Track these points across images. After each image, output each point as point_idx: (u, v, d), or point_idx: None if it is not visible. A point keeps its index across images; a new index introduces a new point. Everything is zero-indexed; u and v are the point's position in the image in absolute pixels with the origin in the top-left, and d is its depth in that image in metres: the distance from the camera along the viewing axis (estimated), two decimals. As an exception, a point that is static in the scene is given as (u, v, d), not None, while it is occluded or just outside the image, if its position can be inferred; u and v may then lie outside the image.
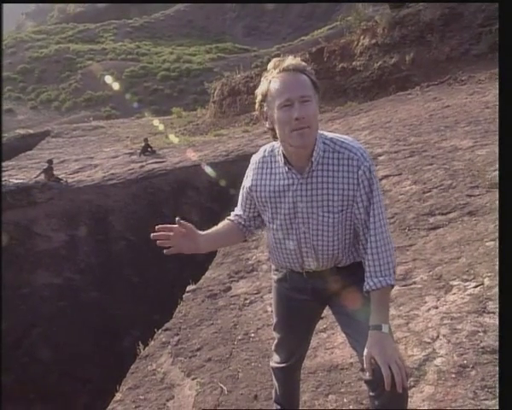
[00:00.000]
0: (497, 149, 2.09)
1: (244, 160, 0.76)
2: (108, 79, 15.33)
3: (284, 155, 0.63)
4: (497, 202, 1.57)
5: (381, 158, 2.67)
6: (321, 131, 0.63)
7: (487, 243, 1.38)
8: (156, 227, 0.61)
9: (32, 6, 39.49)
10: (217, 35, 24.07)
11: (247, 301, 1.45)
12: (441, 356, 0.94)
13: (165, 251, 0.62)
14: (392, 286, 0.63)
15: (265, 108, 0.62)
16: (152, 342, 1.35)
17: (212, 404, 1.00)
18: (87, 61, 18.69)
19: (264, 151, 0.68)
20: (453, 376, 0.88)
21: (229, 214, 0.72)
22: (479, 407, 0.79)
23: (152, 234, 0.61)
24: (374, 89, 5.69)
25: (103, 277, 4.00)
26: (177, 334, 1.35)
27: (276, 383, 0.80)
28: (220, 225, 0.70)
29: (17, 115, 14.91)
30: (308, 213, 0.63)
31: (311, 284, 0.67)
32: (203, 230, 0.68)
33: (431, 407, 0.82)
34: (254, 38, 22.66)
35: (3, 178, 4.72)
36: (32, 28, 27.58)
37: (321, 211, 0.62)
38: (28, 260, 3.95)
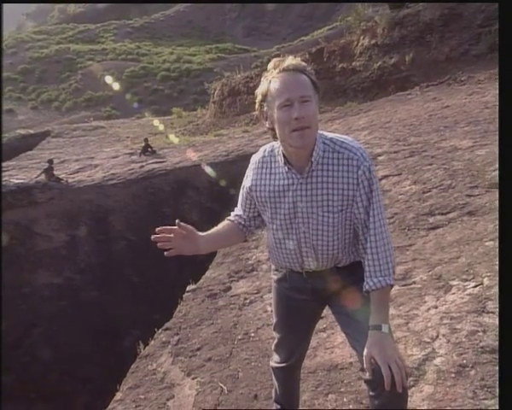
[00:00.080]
0: (496, 149, 2.10)
1: (244, 160, 0.77)
2: (109, 79, 15.35)
3: (284, 155, 0.63)
4: (497, 201, 1.57)
5: (380, 158, 2.67)
6: (321, 132, 0.63)
7: (487, 243, 1.38)
8: (156, 229, 0.60)
9: (33, 6, 39.57)
10: (217, 35, 24.06)
11: (247, 301, 1.45)
12: (441, 356, 0.94)
13: (165, 253, 0.62)
14: (392, 286, 0.63)
15: (265, 108, 0.62)
16: (152, 342, 1.35)
17: (212, 403, 1.01)
18: (87, 62, 18.72)
19: (264, 151, 0.68)
20: (453, 375, 0.88)
21: (229, 214, 0.73)
22: (478, 407, 0.79)
23: (152, 236, 0.61)
24: (373, 89, 5.70)
25: (104, 277, 4.00)
26: (178, 334, 1.35)
27: (275, 383, 0.80)
28: (220, 225, 0.70)
29: (18, 115, 14.92)
30: (308, 213, 0.63)
31: (310, 284, 0.68)
32: (203, 230, 0.68)
33: (430, 407, 0.82)
34: (254, 39, 22.67)
35: (4, 178, 4.75)
36: (32, 29, 27.58)
37: (321, 211, 0.62)
38: (29, 260, 3.96)
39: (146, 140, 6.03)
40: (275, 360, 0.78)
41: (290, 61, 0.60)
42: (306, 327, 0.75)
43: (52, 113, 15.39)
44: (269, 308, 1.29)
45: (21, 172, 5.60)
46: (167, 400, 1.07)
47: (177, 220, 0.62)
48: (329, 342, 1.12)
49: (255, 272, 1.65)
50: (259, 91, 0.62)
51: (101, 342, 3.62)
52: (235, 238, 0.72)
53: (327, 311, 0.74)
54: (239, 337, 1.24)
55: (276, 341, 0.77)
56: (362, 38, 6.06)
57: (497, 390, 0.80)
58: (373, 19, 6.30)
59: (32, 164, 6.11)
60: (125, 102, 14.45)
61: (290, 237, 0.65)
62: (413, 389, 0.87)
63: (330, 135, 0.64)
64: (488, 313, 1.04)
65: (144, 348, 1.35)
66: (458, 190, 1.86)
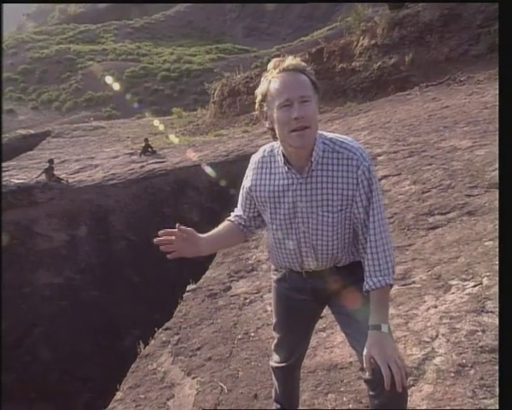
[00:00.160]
0: (495, 150, 2.10)
1: (244, 160, 0.77)
2: (109, 79, 15.36)
3: (284, 155, 0.63)
4: (497, 201, 1.58)
5: (380, 158, 2.68)
6: (320, 132, 0.63)
7: (486, 243, 1.38)
8: (159, 232, 0.61)
9: (33, 7, 39.61)
10: (217, 36, 24.08)
11: (247, 301, 1.45)
12: (440, 355, 0.95)
13: (168, 256, 0.62)
14: (392, 286, 0.63)
15: (265, 108, 0.62)
16: (152, 342, 1.35)
17: (212, 403, 1.01)
18: (88, 62, 18.74)
19: (264, 151, 0.68)
20: (452, 375, 0.88)
21: (229, 215, 0.73)
22: (477, 406, 0.79)
23: (155, 239, 0.61)
24: (373, 89, 5.70)
25: (104, 276, 4.00)
26: (178, 333, 1.35)
27: (275, 383, 0.80)
28: (221, 226, 0.70)
29: (18, 116, 14.94)
30: (308, 213, 0.63)
31: (310, 284, 0.68)
32: (203, 230, 0.69)
33: (430, 406, 0.83)
34: (254, 39, 22.69)
35: (5, 178, 4.76)
36: (32, 29, 27.61)
37: (320, 211, 0.62)
38: (29, 260, 3.96)
39: (146, 140, 6.04)
40: (274, 360, 0.78)
41: (290, 61, 0.60)
42: (306, 327, 0.75)
43: (52, 113, 15.40)
44: (269, 308, 1.29)
45: (22, 172, 5.61)
46: (167, 399, 1.07)
47: (177, 224, 0.62)
48: (329, 342, 1.12)
49: (255, 272, 1.65)
50: (259, 91, 0.63)
51: (101, 341, 3.63)
52: (236, 239, 0.73)
53: (326, 310, 0.74)
54: (239, 337, 1.25)
55: (275, 341, 0.77)
56: (361, 38, 6.07)
57: (497, 390, 0.80)
58: (373, 19, 6.31)
59: (32, 164, 6.12)
60: (126, 103, 14.47)
61: (290, 237, 0.65)
62: (413, 388, 0.87)
63: (330, 135, 0.64)
64: (487, 312, 1.04)
65: (144, 347, 1.35)
66: (458, 190, 1.86)
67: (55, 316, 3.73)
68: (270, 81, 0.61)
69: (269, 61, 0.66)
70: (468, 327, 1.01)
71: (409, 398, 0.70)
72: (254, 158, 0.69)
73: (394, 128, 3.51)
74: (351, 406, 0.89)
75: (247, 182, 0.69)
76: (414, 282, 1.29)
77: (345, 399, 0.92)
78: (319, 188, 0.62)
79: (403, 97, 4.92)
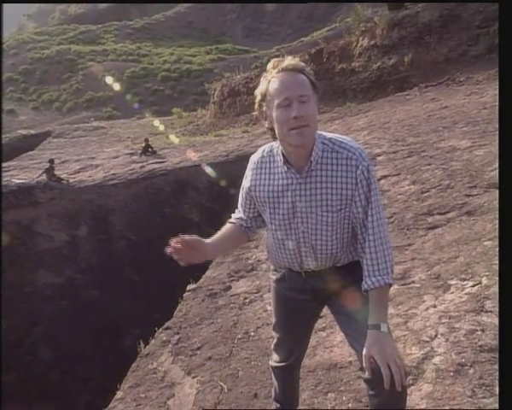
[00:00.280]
0: (494, 150, 2.10)
1: (244, 160, 0.76)
2: (109, 79, 15.38)
3: (283, 155, 0.64)
4: (495, 201, 1.58)
5: (379, 158, 2.68)
6: (320, 132, 0.63)
7: (485, 243, 1.38)
8: (170, 243, 0.61)
9: (34, 8, 39.69)
10: (217, 36, 24.08)
11: (247, 301, 1.45)
12: (439, 355, 0.95)
13: (181, 264, 0.63)
14: (391, 285, 0.63)
15: (264, 108, 0.62)
16: (153, 341, 1.36)
17: (212, 402, 1.01)
18: (88, 62, 18.77)
19: (263, 151, 0.68)
20: (451, 374, 0.88)
21: (230, 216, 0.73)
22: (477, 405, 0.79)
23: (167, 250, 0.61)
24: (373, 89, 5.71)
25: (104, 276, 4.01)
26: (178, 333, 1.35)
27: (275, 382, 0.80)
28: (223, 229, 0.71)
29: (19, 116, 14.96)
30: (307, 213, 0.63)
31: (309, 284, 0.68)
32: (204, 229, 0.69)
33: (429, 405, 0.83)
34: (254, 39, 22.70)
35: (5, 179, 4.77)
36: (33, 29, 27.67)
37: (320, 210, 0.62)
38: (30, 260, 3.98)
39: (146, 140, 6.05)
40: (274, 360, 0.78)
41: (289, 61, 0.61)
42: (306, 327, 0.75)
43: (53, 113, 15.42)
44: (269, 307, 1.30)
45: (22, 173, 5.61)
46: (168, 399, 1.07)
47: (180, 235, 0.62)
48: (329, 342, 1.12)
49: (255, 272, 1.65)
50: (259, 91, 0.63)
51: (101, 341, 3.63)
52: (239, 240, 0.73)
53: (326, 310, 0.74)
54: (239, 337, 1.25)
55: (275, 340, 0.78)
56: (361, 38, 6.08)
57: (496, 389, 0.80)
58: (372, 20, 6.31)
59: (33, 164, 6.13)
60: (126, 103, 14.48)
61: (289, 237, 0.65)
62: (412, 387, 0.87)
63: (329, 135, 0.64)
64: (487, 312, 1.04)
65: (145, 347, 1.35)
66: (457, 190, 1.86)
67: (55, 316, 3.74)
68: (270, 81, 0.61)
69: (268, 61, 0.66)
70: (468, 327, 1.01)
71: (408, 397, 0.70)
72: (253, 158, 0.69)
73: (394, 128, 3.51)
74: (350, 405, 0.90)
75: (246, 182, 0.69)
76: (413, 281, 1.29)
77: (344, 398, 0.92)
78: (318, 188, 0.62)
79: (402, 98, 4.93)
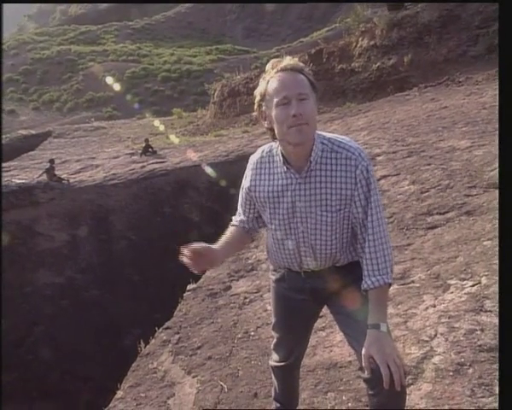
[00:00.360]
0: (494, 150, 2.11)
1: (244, 160, 0.76)
2: (109, 80, 15.38)
3: (283, 155, 0.64)
4: (495, 201, 1.58)
5: (379, 158, 2.68)
6: (319, 132, 0.63)
7: (484, 243, 1.39)
8: (183, 251, 0.62)
9: (34, 8, 39.75)
10: (217, 36, 24.10)
11: (247, 300, 1.46)
12: (439, 354, 0.95)
13: (194, 271, 0.64)
14: (390, 285, 0.63)
15: (264, 108, 0.62)
16: (153, 341, 1.36)
17: (212, 402, 1.01)
18: (88, 63, 18.77)
19: (262, 152, 0.68)
20: (451, 374, 0.89)
21: (231, 218, 0.73)
22: (476, 405, 0.80)
23: (182, 259, 0.61)
24: (372, 90, 5.70)
25: (105, 276, 4.01)
26: (178, 332, 1.36)
27: (275, 382, 0.81)
28: (227, 233, 0.71)
29: (19, 116, 14.97)
30: (306, 213, 0.63)
31: (309, 284, 0.68)
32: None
33: (429, 405, 0.83)
34: (254, 40, 22.71)
35: (6, 179, 4.79)
36: (34, 30, 27.68)
37: (319, 210, 0.63)
38: (30, 260, 3.98)
39: (147, 140, 6.06)
40: (274, 359, 0.79)
41: (288, 61, 0.61)
42: (305, 327, 0.76)
43: (53, 113, 15.44)
44: (268, 307, 1.30)
45: (23, 173, 5.62)
46: (168, 398, 1.07)
47: (189, 246, 0.62)
48: (328, 341, 1.12)
49: (255, 272, 1.66)
50: (258, 92, 0.63)
51: (102, 340, 3.63)
52: (244, 242, 0.74)
53: (326, 309, 0.74)
54: (239, 336, 1.25)
55: (275, 340, 0.78)
56: (361, 39, 6.08)
57: (496, 388, 0.80)
58: (372, 20, 6.29)
59: (33, 164, 6.14)
60: (126, 103, 14.48)
61: (289, 237, 0.65)
62: (411, 387, 0.87)
63: (328, 135, 0.64)
64: (486, 311, 1.05)
65: (145, 346, 1.35)
66: (456, 189, 1.87)
67: (56, 315, 3.74)
68: (269, 81, 0.61)
69: (268, 61, 0.66)
70: (467, 326, 1.01)
71: (408, 397, 0.71)
72: (253, 158, 0.69)
73: (393, 128, 3.51)
74: (350, 404, 0.90)
75: (246, 182, 0.69)
76: (413, 281, 1.29)
77: (344, 398, 0.92)
78: (318, 188, 0.62)
79: (402, 98, 4.93)
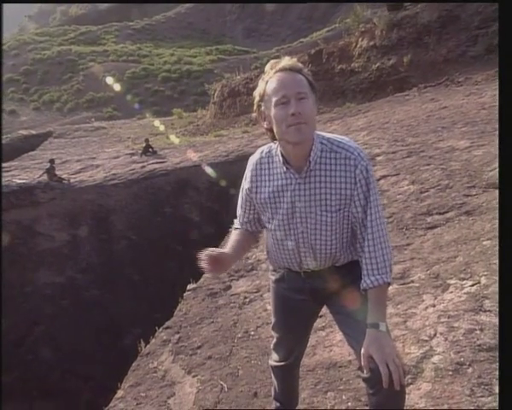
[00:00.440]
0: (493, 150, 2.11)
1: (244, 160, 0.76)
2: (110, 80, 15.34)
3: (282, 155, 0.64)
4: (494, 201, 1.59)
5: (378, 158, 2.69)
6: (318, 132, 0.63)
7: (484, 243, 1.39)
8: (201, 257, 0.62)
9: (35, 9, 39.82)
10: (217, 37, 24.10)
11: (247, 300, 1.46)
12: (438, 354, 0.95)
13: (210, 276, 0.65)
14: (389, 284, 0.63)
15: (263, 108, 0.63)
16: (153, 340, 1.36)
17: (212, 401, 1.01)
18: (89, 63, 18.79)
19: (261, 152, 0.68)
20: (450, 373, 0.89)
21: (233, 222, 0.73)
22: (475, 404, 0.80)
23: (200, 265, 0.62)
24: (372, 90, 5.71)
25: (105, 276, 4.02)
26: (178, 332, 1.36)
27: (275, 381, 0.81)
28: (233, 237, 0.71)
29: (20, 116, 14.98)
30: (306, 213, 0.63)
31: (308, 284, 0.68)
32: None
33: (428, 404, 0.83)
34: (254, 40, 22.71)
35: (7, 179, 4.80)
36: (34, 30, 27.66)
37: (319, 210, 0.63)
38: (31, 259, 3.99)
39: (147, 140, 6.07)
40: (274, 359, 0.79)
41: (286, 61, 0.61)
42: (305, 326, 0.76)
43: (54, 113, 15.43)
44: (268, 307, 1.30)
45: (24, 173, 5.64)
46: (168, 397, 1.08)
47: (206, 252, 0.63)
48: (328, 341, 1.12)
49: (255, 271, 1.66)
50: (257, 92, 0.63)
51: (102, 340, 3.64)
52: (250, 243, 0.74)
53: (325, 309, 0.75)
54: (239, 336, 1.25)
55: (274, 340, 0.78)
56: (360, 39, 6.09)
57: (495, 388, 0.80)
58: (371, 21, 6.29)
59: (34, 164, 6.16)
60: (126, 103, 14.47)
61: (288, 237, 0.66)
62: (411, 386, 0.87)
63: (327, 135, 0.64)
64: (485, 311, 1.05)
65: (145, 346, 1.35)
66: (456, 189, 1.87)
67: (56, 315, 3.75)
68: (267, 82, 0.62)
69: (268, 61, 0.66)
70: (466, 326, 1.01)
71: (407, 396, 0.71)
72: (252, 159, 0.69)
73: (393, 129, 3.52)
74: (350, 404, 0.90)
75: (245, 184, 0.69)
76: (412, 281, 1.30)
77: (344, 397, 0.92)
78: (317, 188, 0.62)
79: (401, 98, 4.94)
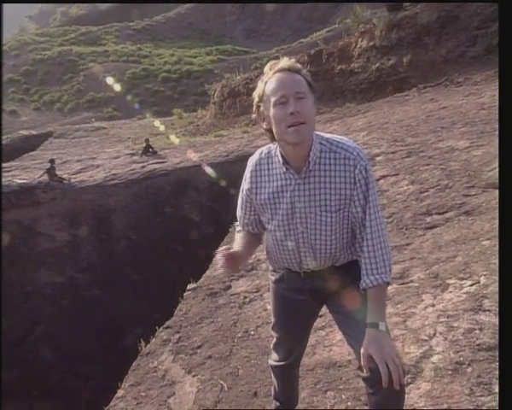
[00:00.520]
0: (492, 150, 2.11)
1: (244, 160, 0.76)
2: (110, 80, 15.34)
3: (282, 156, 0.64)
4: (494, 201, 1.59)
5: (378, 158, 2.69)
6: (317, 132, 0.63)
7: (483, 242, 1.39)
8: (217, 256, 0.63)
9: (35, 9, 39.90)
10: (217, 37, 24.12)
11: (247, 300, 1.46)
12: (438, 353, 0.96)
13: (225, 273, 0.65)
14: (389, 284, 0.63)
15: (262, 109, 0.63)
16: (153, 340, 1.36)
17: (212, 401, 1.02)
18: (89, 63, 18.81)
19: (261, 153, 0.68)
20: (449, 373, 0.89)
21: (231, 221, 0.73)
22: (475, 404, 0.80)
23: (219, 263, 0.63)
24: (371, 90, 5.72)
25: (105, 275, 4.02)
26: (178, 332, 1.36)
27: (274, 381, 0.81)
28: (239, 239, 0.70)
29: (20, 116, 14.99)
30: (306, 213, 0.64)
31: (308, 284, 0.68)
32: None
33: (428, 403, 0.83)
34: (254, 41, 22.71)
35: (7, 179, 4.81)
36: (35, 31, 27.67)
37: (319, 210, 0.63)
38: (31, 259, 4.00)
39: (147, 141, 6.09)
40: (274, 359, 0.79)
41: (285, 62, 0.61)
42: (305, 326, 0.76)
43: (54, 114, 15.44)
44: (268, 307, 1.30)
45: (24, 173, 5.65)
46: (168, 397, 1.08)
47: (221, 251, 0.63)
48: (328, 340, 1.13)
49: (255, 271, 1.66)
50: (256, 93, 0.63)
51: (102, 340, 3.64)
52: (256, 244, 0.74)
53: (325, 309, 0.75)
54: (239, 335, 1.26)
55: (274, 340, 0.78)
56: (360, 39, 6.10)
57: (494, 387, 0.81)
58: (371, 21, 6.31)
59: (34, 164, 6.18)
60: (127, 104, 14.47)
61: (288, 238, 0.66)
62: (410, 386, 0.88)
63: (327, 135, 0.65)
64: (485, 311, 1.05)
65: (145, 346, 1.36)
66: (455, 189, 1.87)
67: (56, 315, 3.75)
68: (266, 82, 0.62)
69: (268, 62, 0.66)
70: (466, 325, 1.02)
71: (407, 395, 0.70)
72: (251, 160, 0.69)
73: (392, 129, 3.52)
74: (349, 403, 0.90)
75: (245, 185, 0.69)
76: (412, 281, 1.30)
77: (343, 396, 0.92)
78: (317, 188, 0.63)
79: (401, 98, 4.95)
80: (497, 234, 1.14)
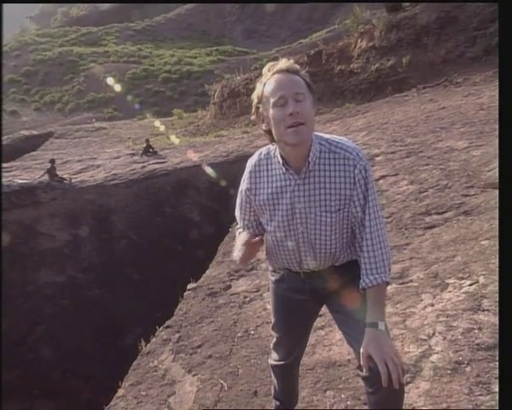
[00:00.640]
0: (491, 150, 2.12)
1: (244, 160, 0.76)
2: (110, 80, 15.36)
3: (281, 156, 0.64)
4: (493, 201, 1.59)
5: (378, 158, 2.70)
6: (316, 133, 0.64)
7: (482, 242, 1.39)
8: (240, 244, 0.64)
9: (36, 10, 39.98)
10: (217, 38, 24.14)
11: (247, 299, 1.47)
12: (437, 353, 0.96)
13: (242, 263, 0.65)
14: (388, 283, 0.63)
15: (261, 110, 0.63)
16: (153, 340, 1.37)
17: (212, 400, 1.02)
18: (90, 64, 18.86)
19: (260, 154, 0.68)
20: (449, 372, 0.89)
21: (232, 222, 0.73)
22: (474, 403, 0.80)
23: (237, 252, 0.63)
24: (371, 91, 5.72)
25: (106, 275, 4.03)
26: (178, 331, 1.37)
27: (274, 380, 0.81)
28: (243, 236, 0.69)
29: (21, 117, 15.01)
30: (306, 214, 0.64)
31: (308, 284, 0.68)
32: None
33: (427, 403, 0.84)
34: (254, 41, 22.72)
35: (8, 179, 4.82)
36: (35, 31, 27.70)
37: (318, 211, 0.63)
38: (32, 259, 4.00)
39: (147, 141, 6.10)
40: (273, 358, 0.79)
41: (283, 63, 0.62)
42: (304, 326, 0.76)
43: (55, 114, 15.47)
44: (268, 306, 1.31)
45: (25, 173, 5.66)
46: (168, 396, 1.08)
47: (246, 239, 0.63)
48: (328, 340, 1.13)
49: (255, 271, 1.66)
50: (255, 95, 0.64)
51: (103, 339, 3.64)
52: (260, 244, 0.72)
53: (325, 308, 0.75)
54: (239, 335, 1.26)
55: (274, 340, 0.78)
56: (360, 40, 6.10)
57: (493, 387, 0.81)
58: (370, 22, 6.30)
59: (35, 164, 6.19)
60: (127, 104, 14.49)
61: (288, 238, 0.66)
62: (410, 385, 0.88)
63: (326, 136, 0.65)
64: (484, 310, 1.05)
65: (146, 345, 1.36)
66: (454, 190, 1.88)
67: (57, 314, 3.75)
68: (265, 84, 0.62)
69: (268, 62, 0.66)
70: (465, 325, 1.02)
71: (406, 395, 0.70)
72: (251, 162, 0.69)
73: (392, 129, 3.52)
74: (349, 403, 0.91)
75: (244, 186, 0.69)
76: (411, 280, 1.30)
77: (343, 396, 0.93)
78: (317, 188, 0.63)
79: (400, 99, 4.95)
80: (496, 234, 1.14)
